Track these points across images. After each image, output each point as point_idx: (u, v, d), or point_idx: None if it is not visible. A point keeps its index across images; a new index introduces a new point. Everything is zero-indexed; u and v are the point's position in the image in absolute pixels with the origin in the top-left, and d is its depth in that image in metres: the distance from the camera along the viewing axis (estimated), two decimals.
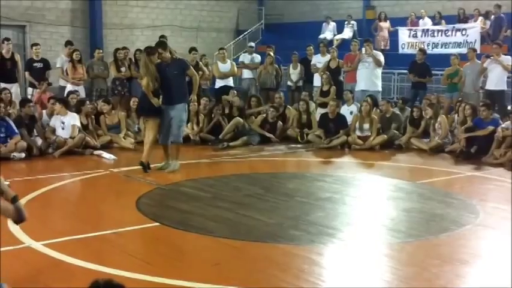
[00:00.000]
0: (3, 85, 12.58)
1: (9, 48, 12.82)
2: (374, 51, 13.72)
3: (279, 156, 11.35)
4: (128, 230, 6.35)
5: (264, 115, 12.89)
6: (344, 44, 18.44)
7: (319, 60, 14.57)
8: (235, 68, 14.74)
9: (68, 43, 14.38)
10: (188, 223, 6.56)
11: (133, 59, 14.31)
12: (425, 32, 16.35)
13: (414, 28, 17.05)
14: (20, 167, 9.82)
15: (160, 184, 8.51)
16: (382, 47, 17.41)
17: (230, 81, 14.63)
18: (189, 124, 12.05)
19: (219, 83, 14.37)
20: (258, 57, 15.54)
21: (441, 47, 15.74)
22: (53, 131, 10.93)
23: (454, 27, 15.95)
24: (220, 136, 12.18)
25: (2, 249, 5.56)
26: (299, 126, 12.76)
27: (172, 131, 9.35)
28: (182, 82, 9.43)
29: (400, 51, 16.46)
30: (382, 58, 13.51)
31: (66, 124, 10.88)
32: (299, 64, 15.09)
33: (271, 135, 12.48)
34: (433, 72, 14.06)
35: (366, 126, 11.84)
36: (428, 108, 11.69)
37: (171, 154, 9.48)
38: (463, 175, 9.56)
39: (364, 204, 7.74)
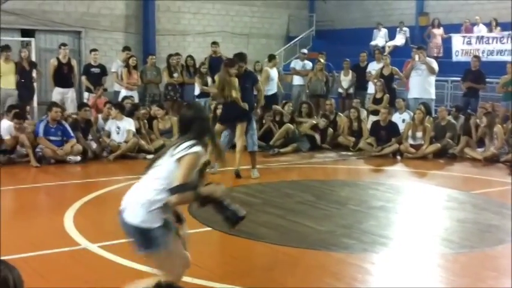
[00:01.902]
0: (59, 90, 12.90)
1: (66, 53, 13.10)
2: (427, 58, 13.51)
3: (329, 163, 11.30)
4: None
5: (315, 122, 12.85)
6: (396, 51, 18.25)
7: (374, 68, 14.44)
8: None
9: (126, 48, 14.61)
10: (240, 228, 6.51)
11: (185, 65, 14.47)
12: (479, 39, 16.06)
13: (468, 35, 16.75)
14: (76, 170, 10.03)
15: None
16: (435, 54, 17.13)
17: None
18: None
19: (271, 90, 14.36)
20: (309, 64, 15.52)
21: (496, 55, 15.43)
22: (108, 135, 11.14)
23: (509, 34, 15.61)
24: (270, 142, 12.19)
25: (59, 250, 5.71)
26: (350, 134, 12.68)
27: (246, 141, 9.58)
28: (251, 95, 9.65)
29: (454, 58, 16.19)
30: (435, 65, 13.28)
31: (122, 129, 11.07)
32: (350, 71, 15.01)
33: (318, 137, 12.42)
34: (488, 80, 13.79)
35: (419, 134, 11.68)
36: (484, 117, 11.46)
37: (251, 163, 9.65)
38: None
39: (417, 213, 7.62)
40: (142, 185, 3.76)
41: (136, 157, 10.99)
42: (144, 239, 3.70)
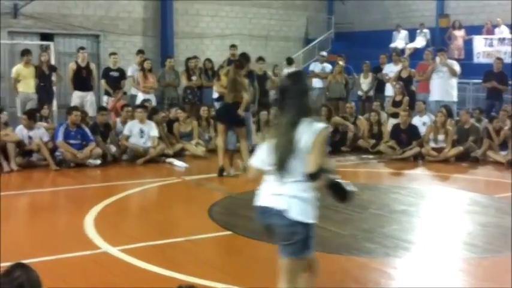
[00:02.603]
0: (79, 93, 12.93)
1: (85, 57, 13.11)
2: (449, 60, 13.36)
3: (350, 166, 11.19)
4: (201, 238, 6.38)
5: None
6: (416, 53, 18.10)
7: (391, 70, 14.34)
8: None
9: (140, 52, 14.62)
10: (260, 232, 6.51)
11: (203, 68, 14.44)
12: (501, 40, 15.88)
13: (490, 37, 16.57)
14: (95, 173, 10.04)
15: (231, 193, 8.53)
16: (456, 57, 16.94)
17: None
18: (259, 133, 12.09)
19: None
20: (328, 67, 15.46)
21: None
22: (127, 138, 11.06)
23: None
24: None
25: (80, 253, 5.70)
26: (370, 137, 12.56)
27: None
28: (251, 93, 10.01)
29: (475, 60, 16.02)
30: (457, 67, 13.12)
31: (146, 133, 11.02)
32: (370, 73, 14.91)
33: (351, 125, 12.48)
34: (509, 82, 13.61)
35: (441, 137, 11.53)
36: (508, 119, 11.29)
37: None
38: None
39: (440, 217, 7.51)
40: (293, 181, 3.53)
41: (157, 160, 10.97)
42: (307, 237, 3.61)
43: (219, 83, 10.11)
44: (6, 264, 2.91)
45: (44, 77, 12.78)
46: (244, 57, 10.01)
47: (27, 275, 2.66)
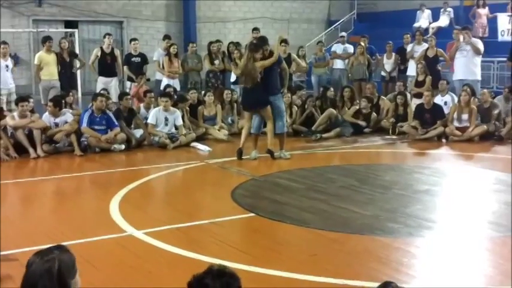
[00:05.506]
0: (103, 79, 13.05)
1: (110, 43, 13.22)
2: (472, 38, 13.20)
3: (373, 147, 11.16)
4: (225, 220, 6.45)
5: (357, 106, 12.70)
6: (440, 32, 17.90)
7: (415, 50, 14.20)
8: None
9: (166, 37, 14.69)
10: (283, 214, 6.58)
11: (226, 52, 14.47)
12: None
13: None
14: (120, 158, 10.15)
15: (254, 175, 8.58)
16: (481, 35, 16.73)
17: None
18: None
19: None
20: (350, 47, 15.41)
21: None
22: (153, 126, 10.96)
23: None
24: (313, 127, 12.11)
25: (106, 237, 5.81)
26: (394, 118, 12.47)
27: (275, 122, 9.66)
28: (277, 74, 9.75)
29: (500, 38, 15.79)
30: (481, 46, 12.96)
31: (170, 121, 11.05)
32: (393, 54, 14.80)
33: (363, 123, 12.31)
34: None
35: (465, 116, 11.42)
36: None
37: (280, 145, 9.80)
38: None
39: (464, 197, 7.49)
40: None
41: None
42: None
43: (238, 66, 10.11)
44: (40, 247, 2.95)
45: (64, 64, 12.89)
46: (261, 39, 9.98)
47: (59, 255, 2.69)
